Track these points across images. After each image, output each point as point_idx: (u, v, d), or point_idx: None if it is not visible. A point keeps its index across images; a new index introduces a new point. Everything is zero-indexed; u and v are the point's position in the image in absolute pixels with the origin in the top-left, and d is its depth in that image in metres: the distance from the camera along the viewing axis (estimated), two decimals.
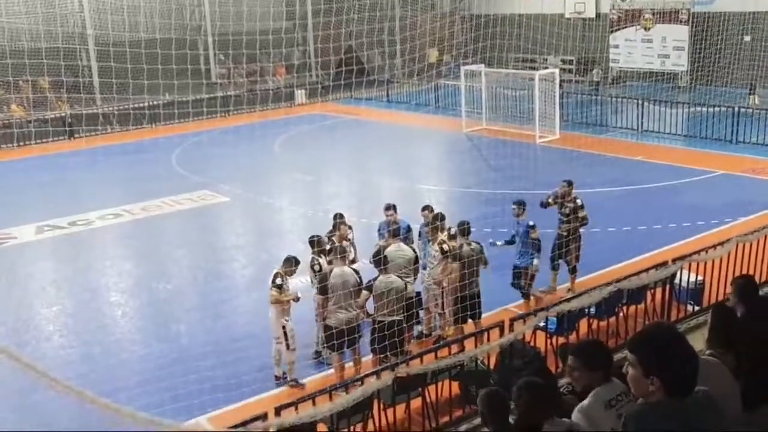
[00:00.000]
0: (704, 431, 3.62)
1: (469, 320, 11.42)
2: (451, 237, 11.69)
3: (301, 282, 12.56)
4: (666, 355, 3.64)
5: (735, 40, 31.52)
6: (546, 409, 5.02)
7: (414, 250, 11.66)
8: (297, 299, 10.95)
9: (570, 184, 13.46)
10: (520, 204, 12.64)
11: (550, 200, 13.49)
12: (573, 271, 13.33)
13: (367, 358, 10.75)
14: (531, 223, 12.50)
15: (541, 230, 12.89)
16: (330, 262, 11.13)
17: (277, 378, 10.93)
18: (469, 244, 11.41)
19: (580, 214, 13.22)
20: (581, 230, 13.44)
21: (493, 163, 24.44)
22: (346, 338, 10.35)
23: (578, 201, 13.27)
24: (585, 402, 4.97)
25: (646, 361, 3.66)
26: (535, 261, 12.46)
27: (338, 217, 12.21)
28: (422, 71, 28.06)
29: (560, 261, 13.33)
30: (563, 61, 35.87)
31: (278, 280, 10.65)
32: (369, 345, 10.60)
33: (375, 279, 10.46)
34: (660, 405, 3.61)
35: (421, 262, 12.08)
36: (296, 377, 10.80)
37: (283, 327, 10.72)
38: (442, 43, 29.34)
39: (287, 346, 10.75)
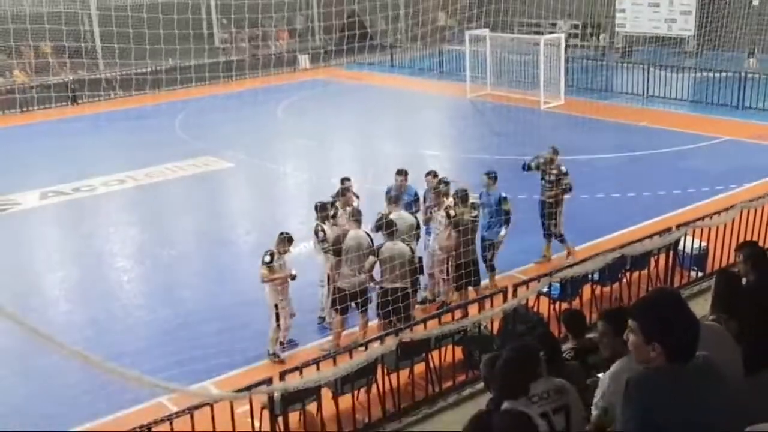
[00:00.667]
0: (705, 396, 3.64)
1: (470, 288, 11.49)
2: (456, 203, 11.69)
3: (304, 247, 12.61)
4: (667, 321, 3.64)
5: (743, 4, 31.15)
6: (525, 372, 4.99)
7: (415, 217, 11.70)
8: (293, 277, 10.67)
9: (556, 152, 13.21)
10: (492, 175, 12.38)
11: (532, 164, 13.28)
12: (562, 240, 13.19)
13: (373, 323, 10.82)
14: (503, 194, 12.22)
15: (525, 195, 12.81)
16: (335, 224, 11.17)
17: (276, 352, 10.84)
18: (470, 212, 11.43)
19: (564, 181, 13.00)
20: (566, 197, 13.21)
21: (497, 128, 24.34)
22: (357, 300, 10.45)
23: (562, 168, 13.05)
24: (615, 368, 4.94)
25: (647, 327, 3.67)
26: (503, 231, 12.25)
27: (344, 182, 12.19)
28: (426, 36, 27.83)
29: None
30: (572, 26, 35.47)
31: (267, 258, 10.40)
32: (375, 310, 10.68)
33: (381, 245, 10.50)
34: (661, 370, 3.62)
35: (424, 227, 12.13)
36: (276, 351, 10.58)
37: (276, 306, 10.52)
38: (446, 7, 29.04)
39: (277, 324, 10.55)
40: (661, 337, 3.61)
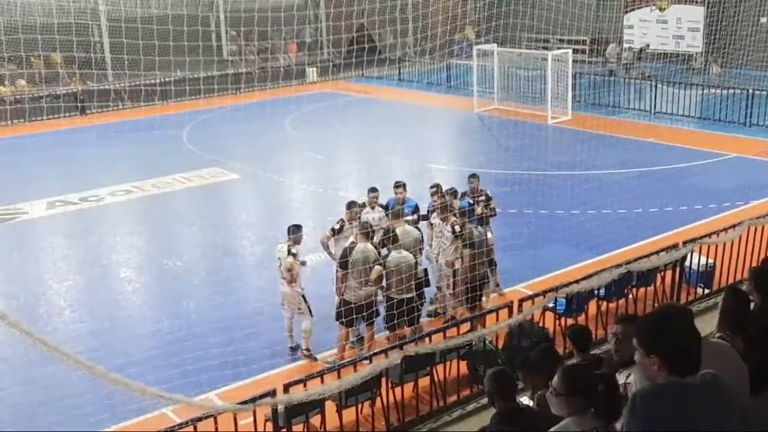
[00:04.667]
0: (711, 413, 3.62)
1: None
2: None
3: (311, 260, 12.64)
4: (663, 332, 3.67)
5: (750, 22, 31.17)
6: None
7: (419, 230, 11.71)
8: (303, 263, 11.22)
9: (477, 177, 12.86)
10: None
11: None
12: (493, 264, 12.58)
13: (380, 336, 10.82)
14: (470, 201, 12.25)
15: None
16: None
17: (292, 350, 11.09)
18: (475, 227, 11.41)
19: (491, 205, 12.66)
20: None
21: (504, 143, 24.33)
22: (363, 313, 10.48)
23: (488, 193, 12.78)
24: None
25: (645, 340, 3.70)
26: (489, 234, 12.11)
27: (371, 191, 12.51)
28: (434, 50, 27.92)
29: None
30: (576, 42, 35.45)
31: (294, 250, 10.87)
32: (384, 322, 10.70)
33: (387, 255, 10.51)
34: (667, 386, 3.61)
35: (427, 240, 12.14)
36: (310, 348, 10.92)
37: (303, 295, 10.91)
38: (455, 21, 29.12)
39: (310, 313, 10.90)
40: (658, 348, 3.64)
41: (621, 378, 5.21)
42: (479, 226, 11.50)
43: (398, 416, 9.14)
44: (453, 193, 12.22)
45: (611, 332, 5.70)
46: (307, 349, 10.90)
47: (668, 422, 3.55)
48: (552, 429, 4.79)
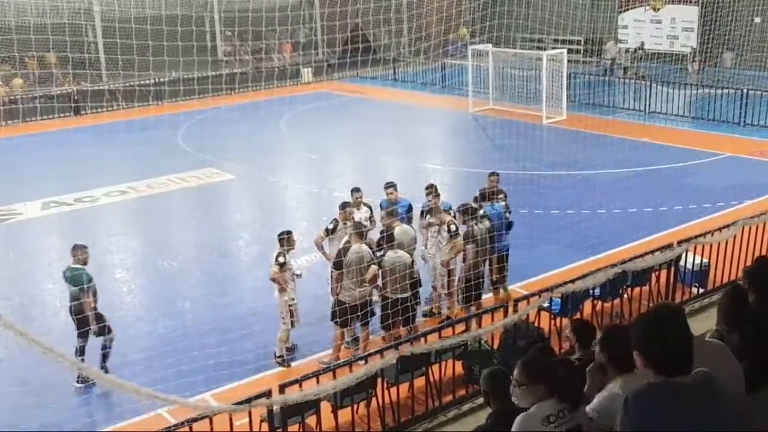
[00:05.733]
0: (705, 412, 3.62)
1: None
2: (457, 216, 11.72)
3: (305, 261, 12.65)
4: (647, 331, 3.67)
5: (745, 22, 31.23)
6: None
7: (413, 229, 11.74)
8: (298, 275, 11.15)
9: (497, 175, 12.89)
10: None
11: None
12: (504, 287, 12.61)
13: (375, 336, 10.82)
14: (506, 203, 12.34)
15: None
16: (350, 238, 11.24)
17: (288, 350, 11.06)
18: (476, 224, 11.42)
19: (507, 203, 12.67)
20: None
21: (498, 143, 24.37)
22: (358, 313, 10.48)
23: (504, 191, 12.81)
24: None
25: (634, 339, 3.73)
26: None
27: (354, 192, 12.51)
28: (429, 50, 27.88)
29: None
30: (570, 42, 35.46)
31: (280, 259, 10.71)
32: (379, 322, 10.70)
33: (383, 255, 10.52)
34: (659, 385, 3.61)
35: (422, 240, 12.16)
36: (284, 355, 10.87)
37: (290, 306, 10.82)
38: (450, 21, 29.15)
39: (291, 323, 10.85)
40: (644, 347, 3.64)
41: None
42: (480, 224, 11.52)
43: (394, 416, 9.14)
44: (482, 196, 12.25)
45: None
46: (280, 356, 10.85)
47: (662, 422, 3.55)
48: (518, 417, 4.87)
